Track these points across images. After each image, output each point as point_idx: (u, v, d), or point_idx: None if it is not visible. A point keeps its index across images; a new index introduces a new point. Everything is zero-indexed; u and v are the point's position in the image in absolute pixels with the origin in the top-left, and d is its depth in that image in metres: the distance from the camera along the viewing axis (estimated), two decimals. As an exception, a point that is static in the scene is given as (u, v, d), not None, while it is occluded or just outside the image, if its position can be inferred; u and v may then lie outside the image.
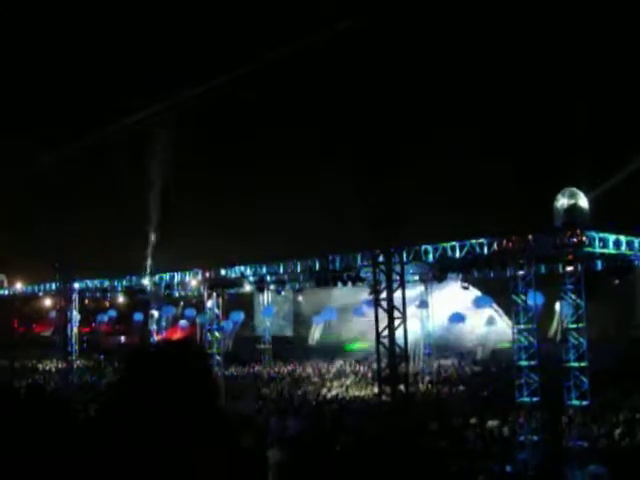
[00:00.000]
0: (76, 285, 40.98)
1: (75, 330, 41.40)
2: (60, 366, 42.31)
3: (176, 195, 50.33)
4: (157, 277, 37.72)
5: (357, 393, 35.50)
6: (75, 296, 41.26)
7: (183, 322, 53.30)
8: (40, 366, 49.37)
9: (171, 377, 2.15)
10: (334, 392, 36.03)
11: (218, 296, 35.46)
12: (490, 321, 45.86)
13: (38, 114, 48.51)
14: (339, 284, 31.08)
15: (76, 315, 41.76)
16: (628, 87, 38.10)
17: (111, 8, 38.30)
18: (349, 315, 48.89)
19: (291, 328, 54.78)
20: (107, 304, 53.60)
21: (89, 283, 42.19)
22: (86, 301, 46.32)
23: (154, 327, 40.06)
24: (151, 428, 2.10)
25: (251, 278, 34.00)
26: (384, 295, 22.94)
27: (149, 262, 38.73)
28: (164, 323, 41.59)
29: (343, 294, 46.53)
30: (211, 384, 2.22)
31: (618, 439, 22.72)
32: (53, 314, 50.08)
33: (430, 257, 26.47)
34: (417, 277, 36.64)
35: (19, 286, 51.23)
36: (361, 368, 43.88)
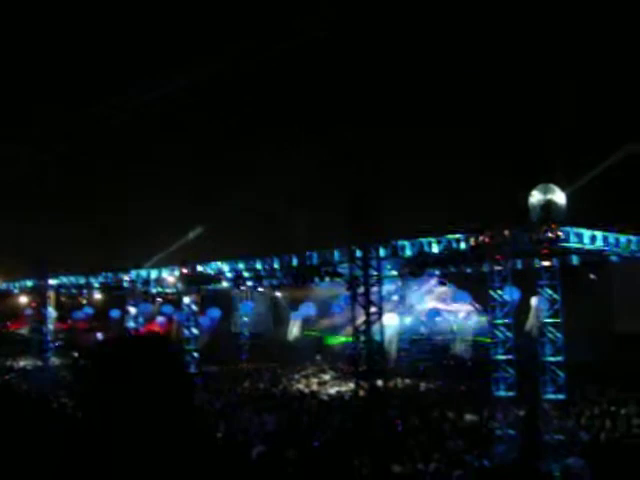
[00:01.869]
0: (52, 282, 40.67)
1: (51, 327, 41.13)
2: (36, 364, 41.98)
3: (152, 191, 50.16)
4: (134, 273, 37.50)
5: (336, 389, 35.53)
6: (51, 293, 40.97)
7: (160, 319, 53.06)
8: (15, 364, 48.91)
9: (138, 368, 2.11)
10: (313, 388, 36.04)
11: (195, 293, 35.36)
12: (467, 316, 46.03)
13: (10, 113, 48.01)
14: (317, 280, 31.08)
15: (52, 312, 41.48)
16: (606, 82, 38.35)
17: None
18: (328, 310, 48.90)
19: (270, 324, 54.70)
20: (83, 301, 53.21)
21: (65, 280, 41.86)
22: (62, 298, 45.90)
23: (131, 324, 39.86)
24: (118, 421, 2.06)
25: (228, 274, 33.88)
26: (362, 290, 22.97)
27: (126, 258, 38.53)
28: (141, 320, 41.36)
29: (322, 290, 46.54)
30: (182, 376, 2.17)
31: (595, 432, 22.92)
32: (29, 311, 49.72)
33: (407, 252, 26.51)
34: (394, 272, 36.71)
35: (-6, 283, 50.73)
36: (340, 364, 43.90)
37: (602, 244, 24.77)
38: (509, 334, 22.85)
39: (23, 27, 39.19)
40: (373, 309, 22.65)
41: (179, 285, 36.11)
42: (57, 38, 41.44)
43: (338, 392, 34.02)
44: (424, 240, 25.99)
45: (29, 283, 43.05)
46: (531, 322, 35.23)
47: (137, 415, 2.06)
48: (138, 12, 39.62)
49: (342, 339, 45.72)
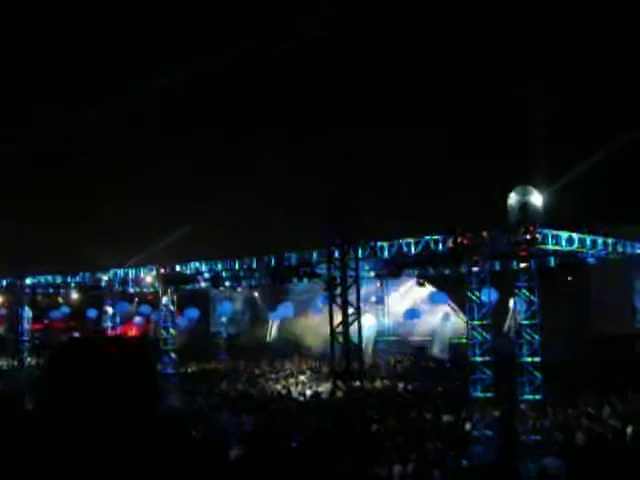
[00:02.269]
0: (28, 281, 40.30)
1: (27, 327, 40.77)
2: (11, 364, 41.58)
3: (130, 190, 49.86)
4: (111, 273, 37.25)
5: (314, 389, 35.50)
6: (27, 292, 40.60)
7: (138, 319, 52.85)
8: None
9: (94, 368, 2.06)
10: (290, 388, 35.99)
11: (173, 293, 35.19)
12: (445, 317, 46.20)
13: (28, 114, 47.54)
14: (295, 280, 31.05)
15: (28, 312, 41.11)
16: (586, 80, 38.54)
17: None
18: (306, 311, 48.91)
19: (248, 324, 54.62)
20: (60, 300, 52.76)
21: (41, 279, 41.48)
22: (38, 297, 45.51)
23: (108, 323, 39.65)
24: (77, 423, 2.01)
25: (206, 274, 33.75)
26: (339, 291, 22.95)
27: (102, 258, 38.24)
28: (118, 319, 41.15)
29: (300, 290, 46.52)
30: (147, 378, 2.13)
31: (572, 433, 23.05)
32: (3, 311, 49.25)
33: (385, 253, 26.54)
34: (373, 273, 36.75)
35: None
36: (318, 364, 43.88)
37: (579, 246, 24.96)
38: (487, 335, 22.95)
39: (23, 28, 38.89)
40: (351, 310, 22.64)
41: (157, 285, 35.93)
42: (56, 39, 41.18)
43: (316, 392, 33.98)
44: (402, 241, 26.05)
45: (4, 282, 42.64)
46: (508, 323, 35.45)
47: (97, 416, 2.02)
48: (138, 11, 39.42)
49: (320, 340, 45.70)
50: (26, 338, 40.45)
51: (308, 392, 34.55)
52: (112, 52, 42.03)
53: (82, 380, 2.05)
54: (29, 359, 41.83)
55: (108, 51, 42.17)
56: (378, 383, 36.74)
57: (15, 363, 40.27)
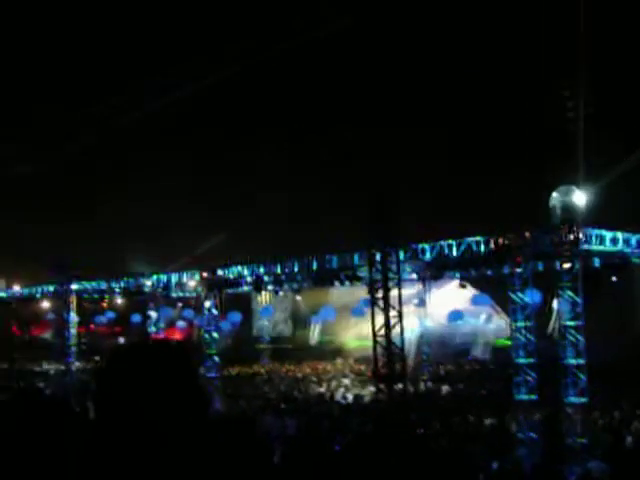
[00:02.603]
0: (73, 287, 40.91)
1: (73, 332, 41.37)
2: (59, 368, 42.25)
3: (173, 196, 50.39)
4: (155, 278, 37.65)
5: (356, 392, 35.48)
6: (73, 298, 41.20)
7: (181, 323, 53.25)
8: (39, 369, 49.29)
9: (151, 373, 2.12)
10: (333, 392, 36.02)
11: (216, 297, 35.42)
12: (488, 319, 45.86)
13: (28, 114, 48.27)
14: (336, 283, 31.08)
15: (74, 317, 41.72)
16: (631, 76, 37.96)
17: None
18: (348, 314, 48.90)
19: (290, 328, 54.78)
20: (105, 305, 53.43)
21: (87, 285, 42.09)
22: (84, 303, 46.15)
23: (152, 328, 40.00)
24: (131, 424, 2.07)
25: (248, 278, 33.92)
26: (381, 294, 22.92)
27: (147, 263, 38.69)
28: (162, 324, 41.51)
29: (342, 293, 46.53)
30: (193, 382, 2.19)
31: (618, 436, 22.73)
32: (51, 316, 50.06)
33: (427, 255, 26.47)
34: (414, 275, 36.60)
35: (17, 289, 51.07)
36: (360, 367, 43.86)
37: (624, 246, 24.63)
38: (530, 337, 22.75)
39: (23, 28, 39.43)
40: (393, 312, 22.59)
41: (199, 289, 36.22)
42: (56, 38, 41.66)
43: (358, 396, 33.96)
44: (444, 243, 25.96)
45: (51, 288, 43.34)
46: (552, 325, 35.05)
47: (150, 420, 2.07)
48: (138, 11, 39.74)
49: (362, 343, 45.65)
50: (72, 343, 41.04)
51: (350, 395, 34.55)
52: (112, 52, 42.43)
53: (138, 387, 2.11)
54: (76, 363, 42.48)
55: (108, 51, 42.56)
56: (421, 386, 36.59)
57: (62, 367, 40.90)
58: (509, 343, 24.81)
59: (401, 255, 24.81)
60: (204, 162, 51.41)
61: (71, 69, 45.24)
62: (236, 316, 48.93)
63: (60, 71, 45.48)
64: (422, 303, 40.47)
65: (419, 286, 39.84)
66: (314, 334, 52.53)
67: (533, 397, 22.38)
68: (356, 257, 28.44)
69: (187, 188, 51.57)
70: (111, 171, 53.05)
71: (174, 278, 36.83)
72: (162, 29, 41.45)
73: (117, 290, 42.23)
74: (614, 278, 28.98)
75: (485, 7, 36.33)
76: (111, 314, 54.83)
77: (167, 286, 38.18)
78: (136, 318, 49.47)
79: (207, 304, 35.28)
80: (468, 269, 29.81)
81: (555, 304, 29.46)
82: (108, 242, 51.30)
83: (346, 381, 39.77)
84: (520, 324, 22.82)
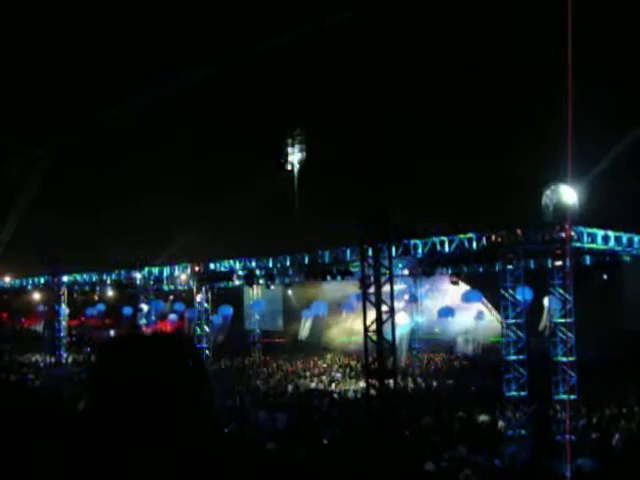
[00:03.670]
0: (65, 279, 40.86)
1: (64, 324, 41.34)
2: (49, 360, 42.21)
3: (166, 189, 50.26)
4: (146, 271, 37.62)
5: (347, 387, 35.52)
6: (64, 290, 41.16)
7: (172, 316, 53.30)
8: (29, 360, 49.19)
9: (143, 364, 2.13)
10: (323, 386, 36.06)
11: (207, 290, 35.45)
12: (479, 315, 45.98)
13: (22, 110, 48.12)
14: (328, 278, 31.12)
15: (65, 309, 41.69)
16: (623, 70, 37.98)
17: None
18: (340, 309, 49.00)
19: (281, 322, 54.79)
20: (96, 298, 53.40)
21: (78, 277, 42.04)
22: (75, 295, 46.12)
23: (143, 321, 39.99)
24: (123, 415, 2.08)
25: (240, 272, 33.95)
26: (373, 289, 22.93)
27: (138, 256, 38.62)
28: (153, 317, 41.51)
29: (333, 288, 46.59)
30: (192, 374, 2.19)
31: (606, 433, 22.83)
32: (42, 308, 50.00)
33: (419, 252, 26.52)
34: (406, 271, 36.67)
35: (7, 280, 50.96)
36: (350, 362, 43.91)
37: (615, 244, 24.73)
38: (521, 334, 22.82)
39: (22, 28, 39.28)
40: (384, 308, 22.60)
41: (191, 283, 36.25)
42: (56, 39, 41.54)
43: (349, 391, 34.01)
44: (436, 239, 26.02)
45: (42, 280, 43.26)
46: (543, 322, 35.19)
47: (142, 410, 2.08)
48: (138, 11, 39.61)
49: (353, 338, 45.74)
50: (63, 335, 41.00)
51: (341, 390, 34.60)
52: (112, 52, 42.28)
53: (132, 376, 2.11)
54: (66, 355, 42.45)
55: (108, 51, 42.42)
56: (411, 382, 36.65)
57: (53, 359, 40.87)
58: (500, 339, 24.89)
59: (393, 251, 24.83)
60: (199, 161, 51.34)
61: (71, 69, 45.09)
62: (227, 310, 48.99)
63: (57, 70, 45.31)
64: (413, 299, 40.59)
65: (411, 282, 40.00)
66: (305, 329, 52.58)
67: (523, 393, 22.47)
68: (348, 252, 28.51)
69: (183, 186, 51.44)
70: (104, 166, 52.82)
71: (166, 271, 36.81)
72: (162, 29, 41.31)
73: (108, 282, 42.17)
74: (605, 276, 29.12)
75: (485, 7, 36.34)
76: (102, 306, 54.85)
77: (159, 279, 38.18)
78: (127, 311, 49.50)
79: (198, 298, 35.32)
80: (460, 265, 29.91)
81: (546, 302, 29.62)
82: (98, 234, 51.11)
83: (336, 375, 39.82)
84: (511, 321, 22.90)
